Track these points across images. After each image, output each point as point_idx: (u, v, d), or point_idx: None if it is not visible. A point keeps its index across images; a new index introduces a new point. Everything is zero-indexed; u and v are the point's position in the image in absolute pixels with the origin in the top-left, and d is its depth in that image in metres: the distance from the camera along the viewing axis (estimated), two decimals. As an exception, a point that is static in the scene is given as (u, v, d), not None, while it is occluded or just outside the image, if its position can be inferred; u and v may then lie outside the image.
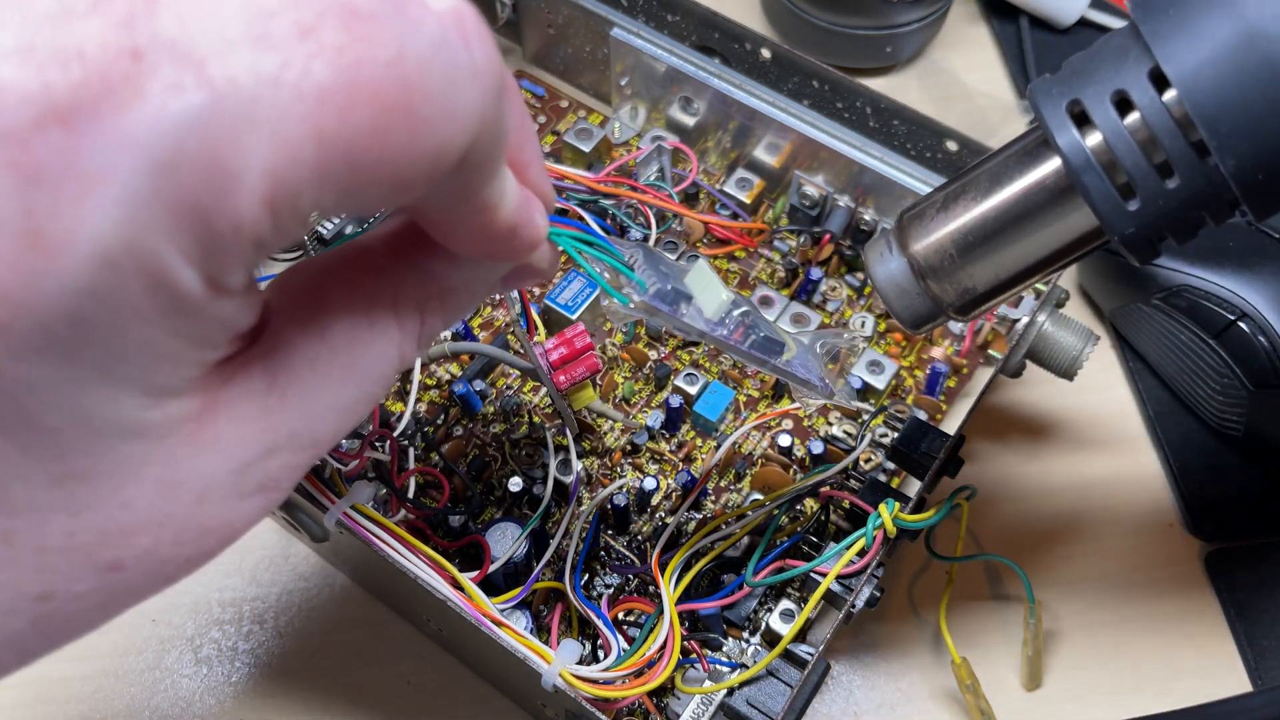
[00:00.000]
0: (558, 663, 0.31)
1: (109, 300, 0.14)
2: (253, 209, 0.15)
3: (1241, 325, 0.41)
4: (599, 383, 0.41)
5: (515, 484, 0.38)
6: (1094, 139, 0.23)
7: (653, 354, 0.43)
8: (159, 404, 0.16)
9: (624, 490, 0.38)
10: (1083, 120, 0.23)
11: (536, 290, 0.43)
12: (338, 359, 0.19)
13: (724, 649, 0.36)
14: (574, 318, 0.41)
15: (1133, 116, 0.22)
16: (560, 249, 0.25)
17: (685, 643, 0.34)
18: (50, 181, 0.13)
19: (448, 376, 0.41)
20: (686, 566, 0.35)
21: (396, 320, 0.20)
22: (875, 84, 0.44)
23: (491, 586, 0.35)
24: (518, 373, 0.42)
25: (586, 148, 0.46)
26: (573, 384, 0.36)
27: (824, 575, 0.33)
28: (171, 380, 0.16)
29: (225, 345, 0.17)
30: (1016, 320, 0.40)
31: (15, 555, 0.16)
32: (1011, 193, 0.25)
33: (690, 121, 0.46)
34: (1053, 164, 0.24)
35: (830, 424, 0.41)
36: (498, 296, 0.43)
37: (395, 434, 0.37)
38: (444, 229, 0.20)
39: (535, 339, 0.35)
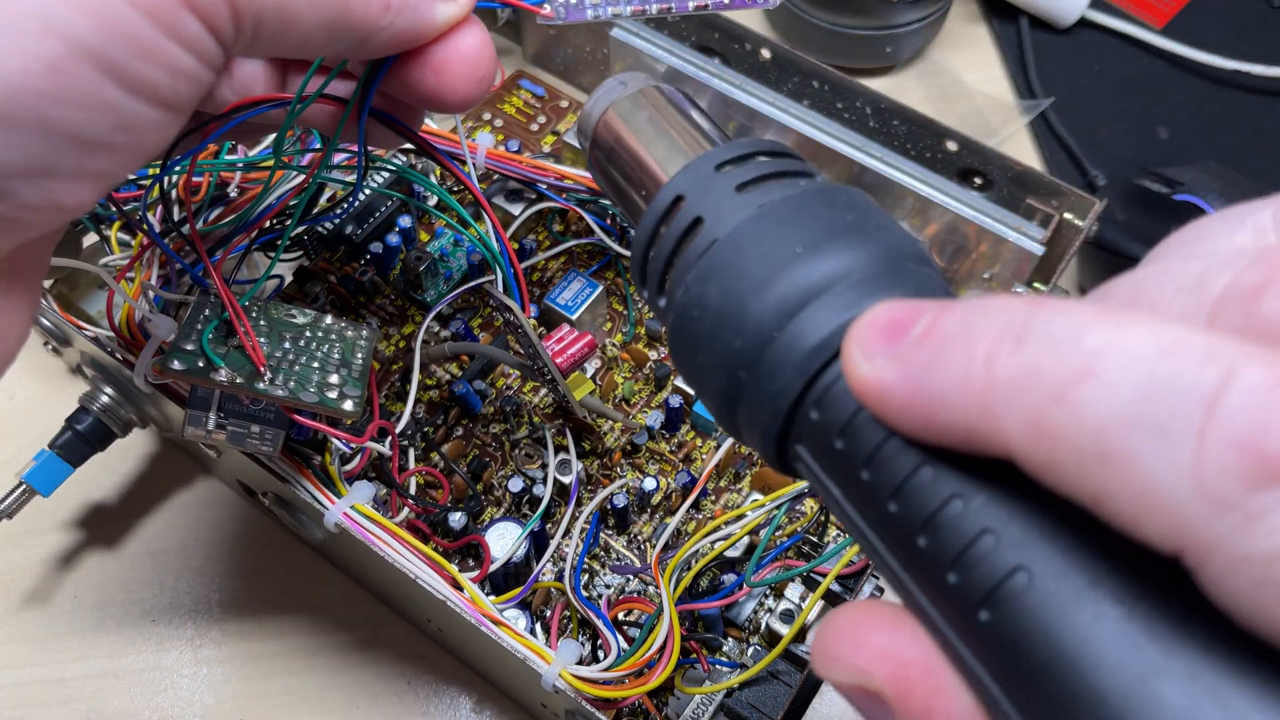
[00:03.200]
0: (558, 663, 0.31)
1: None
2: None
3: (1241, 325, 0.41)
4: (599, 382, 0.41)
5: (515, 484, 0.38)
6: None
7: (653, 354, 0.43)
8: None
9: (624, 490, 0.38)
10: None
11: (536, 290, 0.43)
12: None
13: (724, 649, 0.36)
14: (574, 318, 0.41)
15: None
16: None
17: (685, 643, 0.34)
18: None
19: (448, 377, 0.41)
20: (686, 566, 0.35)
21: None
22: (875, 84, 0.44)
23: (492, 586, 0.36)
24: (518, 373, 0.42)
25: (586, 148, 0.46)
26: (572, 363, 0.36)
27: (824, 575, 0.33)
28: None
29: None
30: (1016, 320, 0.40)
31: None
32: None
33: (690, 121, 0.46)
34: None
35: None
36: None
37: (395, 433, 0.37)
38: None
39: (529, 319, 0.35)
